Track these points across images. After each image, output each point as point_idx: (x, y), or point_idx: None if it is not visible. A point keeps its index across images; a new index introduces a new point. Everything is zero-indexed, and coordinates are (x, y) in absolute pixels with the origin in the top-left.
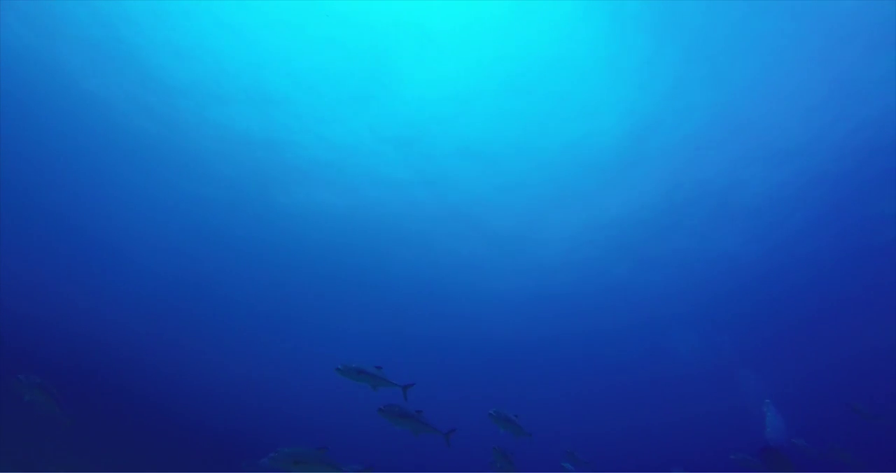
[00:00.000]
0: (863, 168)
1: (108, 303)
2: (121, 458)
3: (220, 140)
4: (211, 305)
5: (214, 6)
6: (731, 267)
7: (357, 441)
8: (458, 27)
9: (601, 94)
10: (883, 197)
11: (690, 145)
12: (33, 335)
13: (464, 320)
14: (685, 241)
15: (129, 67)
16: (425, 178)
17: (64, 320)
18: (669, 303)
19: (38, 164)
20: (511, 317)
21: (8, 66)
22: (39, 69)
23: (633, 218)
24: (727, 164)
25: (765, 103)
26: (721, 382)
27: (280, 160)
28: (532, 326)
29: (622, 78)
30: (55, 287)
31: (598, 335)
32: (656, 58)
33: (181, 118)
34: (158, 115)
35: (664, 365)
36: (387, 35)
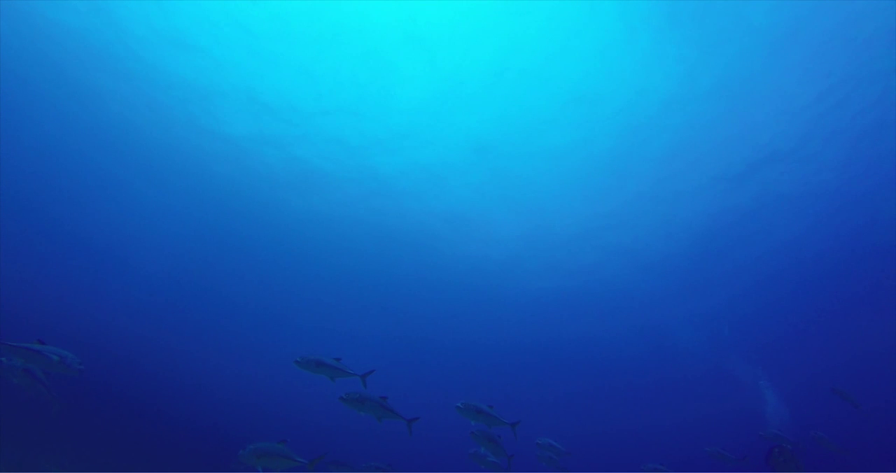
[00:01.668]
0: (868, 167)
1: (103, 303)
2: (120, 458)
3: (218, 140)
4: (209, 306)
5: (213, 6)
6: (735, 264)
7: (356, 441)
8: (455, 26)
9: (601, 93)
10: (886, 195)
11: (695, 145)
12: (29, 334)
13: (460, 321)
14: (688, 239)
15: (128, 68)
16: (422, 178)
17: (59, 319)
18: (670, 302)
19: (37, 165)
20: (511, 318)
21: (6, 66)
22: (39, 70)
23: (635, 216)
24: (730, 165)
25: (767, 103)
26: (723, 381)
27: (277, 160)
28: (531, 326)
29: (620, 77)
30: (51, 286)
31: (599, 333)
32: (658, 56)
33: (179, 118)
34: (157, 115)
35: (665, 365)
36: (384, 35)
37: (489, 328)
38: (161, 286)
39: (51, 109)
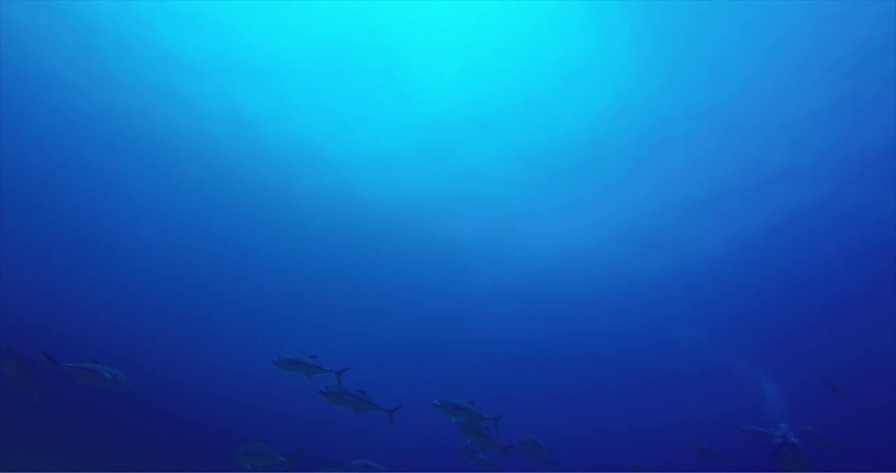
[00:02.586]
0: (870, 165)
1: (97, 300)
2: (120, 458)
3: (215, 137)
4: (207, 304)
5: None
6: (736, 263)
7: (351, 440)
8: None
9: (606, 91)
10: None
11: (696, 141)
12: (29, 334)
13: (456, 320)
14: (689, 238)
15: (124, 64)
16: (421, 177)
17: (56, 319)
18: (670, 300)
19: (29, 163)
20: (509, 317)
21: (4, 65)
22: (35, 69)
23: (635, 215)
24: (728, 165)
25: (769, 99)
26: (722, 378)
27: (275, 158)
28: (531, 325)
29: (627, 75)
30: (45, 283)
31: (600, 332)
32: (658, 57)
33: (176, 115)
34: (152, 111)
35: (666, 363)
36: (394, 31)
37: (484, 327)
38: (156, 283)
39: (45, 105)
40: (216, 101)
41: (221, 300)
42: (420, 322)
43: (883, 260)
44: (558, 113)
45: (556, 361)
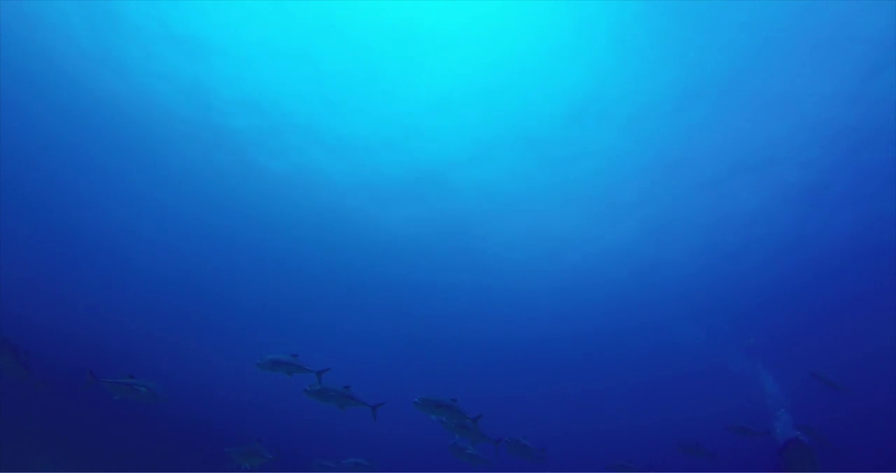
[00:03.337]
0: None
1: (99, 300)
2: (119, 458)
3: (212, 135)
4: (208, 303)
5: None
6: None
7: (347, 439)
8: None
9: (604, 92)
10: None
11: (692, 146)
12: (28, 333)
13: (454, 319)
14: (689, 236)
15: (122, 64)
16: (420, 177)
17: (55, 317)
18: (668, 298)
19: (25, 160)
20: (506, 315)
21: (4, 63)
22: (33, 66)
23: (634, 216)
24: (727, 165)
25: (763, 106)
26: (723, 378)
27: (273, 155)
28: (527, 323)
29: (621, 79)
30: (47, 283)
31: (601, 331)
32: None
33: (174, 113)
34: (150, 108)
35: (665, 362)
36: (389, 20)
37: (479, 325)
38: (153, 278)
39: (47, 105)
40: (213, 92)
41: (220, 298)
42: (415, 319)
43: (885, 259)
44: (559, 107)
45: (552, 360)
